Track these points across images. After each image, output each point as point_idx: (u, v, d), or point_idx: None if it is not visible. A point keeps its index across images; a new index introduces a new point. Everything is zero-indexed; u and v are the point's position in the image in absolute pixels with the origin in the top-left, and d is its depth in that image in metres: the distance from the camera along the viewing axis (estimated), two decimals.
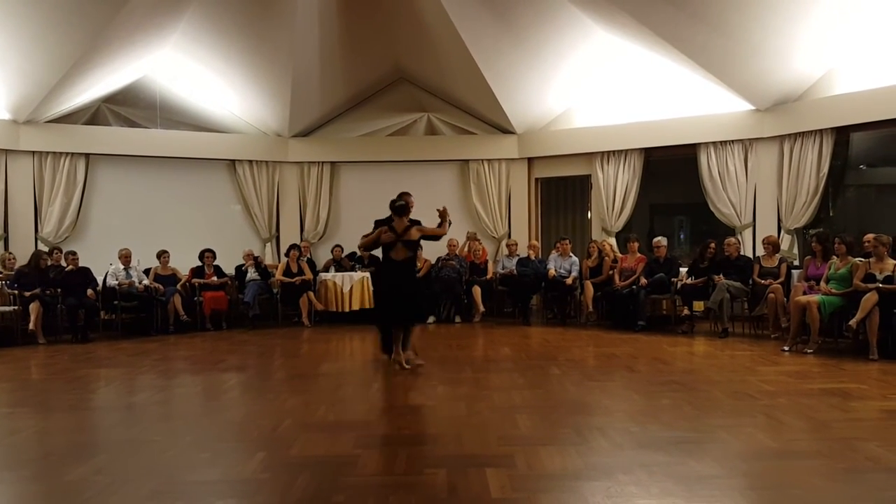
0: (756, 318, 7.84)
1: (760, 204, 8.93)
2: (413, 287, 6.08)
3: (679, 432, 3.87)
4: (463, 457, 3.47)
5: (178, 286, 8.94)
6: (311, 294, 9.32)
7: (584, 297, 8.93)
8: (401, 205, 6.00)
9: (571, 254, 9.40)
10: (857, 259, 6.66)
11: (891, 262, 6.33)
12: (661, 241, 8.61)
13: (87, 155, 9.53)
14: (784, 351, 6.57)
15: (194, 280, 9.19)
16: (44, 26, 7.43)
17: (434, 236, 6.26)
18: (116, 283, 8.54)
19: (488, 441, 3.73)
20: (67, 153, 9.37)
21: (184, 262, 9.39)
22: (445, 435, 3.96)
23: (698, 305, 8.26)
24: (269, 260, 10.25)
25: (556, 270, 9.20)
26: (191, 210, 10.22)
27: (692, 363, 6.23)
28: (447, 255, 9.72)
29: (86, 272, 8.47)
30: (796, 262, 8.21)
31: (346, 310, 9.20)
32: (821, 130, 8.25)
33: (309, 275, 9.43)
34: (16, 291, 8.03)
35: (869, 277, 6.33)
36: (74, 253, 8.48)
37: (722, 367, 5.88)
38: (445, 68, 9.85)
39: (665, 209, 12.22)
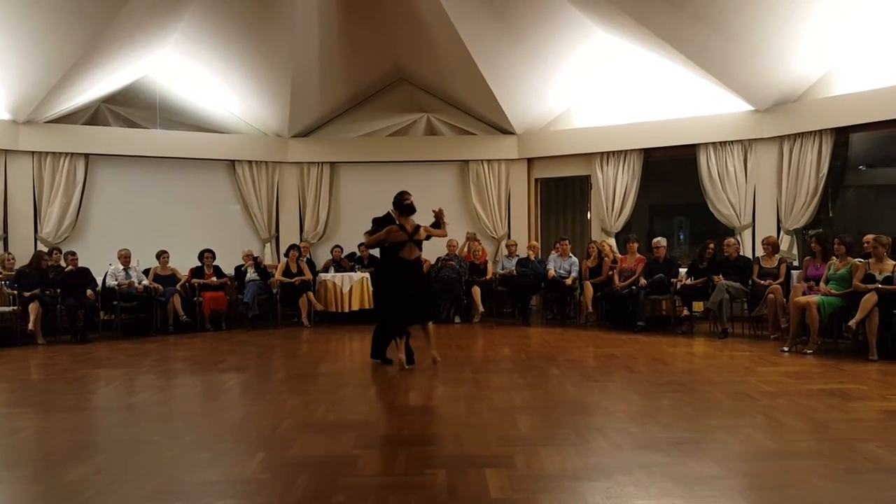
0: (755, 318, 7.84)
1: (760, 204, 8.93)
2: (428, 285, 6.21)
3: (678, 433, 3.87)
4: (462, 457, 3.47)
5: (178, 286, 8.94)
6: (311, 294, 9.32)
7: (584, 298, 8.93)
8: (409, 204, 6.05)
9: (571, 254, 9.40)
10: (856, 260, 6.66)
11: (890, 262, 6.34)
12: (660, 241, 8.61)
13: (86, 155, 9.52)
14: (783, 351, 6.58)
15: (194, 280, 9.19)
16: (44, 26, 7.43)
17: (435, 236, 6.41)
18: (116, 283, 8.54)
19: (488, 441, 3.73)
20: (67, 153, 9.36)
21: (183, 263, 9.39)
22: (445, 435, 3.96)
23: (698, 306, 8.27)
24: (268, 260, 10.24)
25: (555, 271, 9.20)
26: (190, 210, 10.22)
27: (692, 364, 6.23)
28: (447, 255, 9.72)
29: (85, 272, 8.47)
30: (796, 263, 8.21)
31: (346, 310, 9.21)
32: (820, 131, 8.25)
33: (308, 275, 9.43)
34: (16, 292, 8.03)
35: (868, 278, 6.34)
36: (74, 253, 8.48)
37: (721, 368, 5.88)
38: (445, 69, 9.86)
39: (665, 210, 12.22)
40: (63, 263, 8.41)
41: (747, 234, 8.96)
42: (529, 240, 10.37)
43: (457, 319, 9.47)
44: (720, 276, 7.73)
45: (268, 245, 10.55)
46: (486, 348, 7.35)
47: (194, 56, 9.27)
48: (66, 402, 4.97)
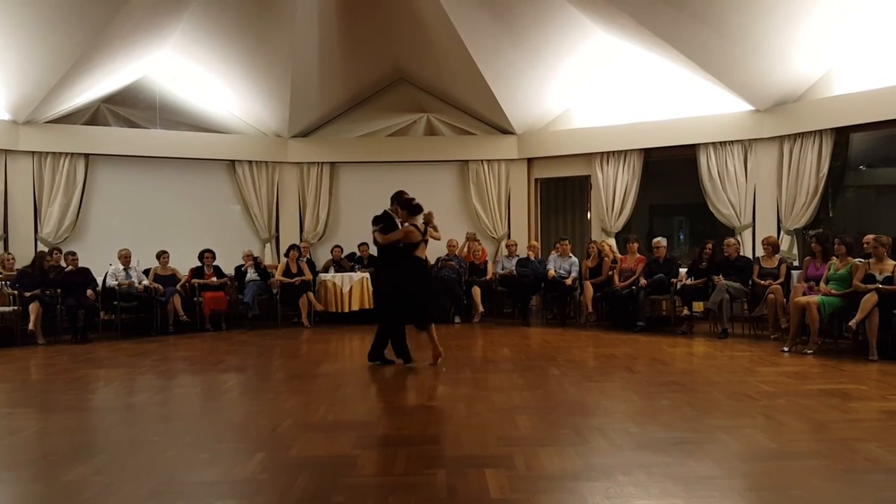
0: (755, 318, 7.84)
1: (760, 204, 8.93)
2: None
3: (678, 433, 3.87)
4: (462, 457, 3.47)
5: (178, 286, 8.94)
6: (311, 294, 9.32)
7: (584, 298, 8.93)
8: (418, 204, 6.11)
9: (571, 254, 9.40)
10: (856, 260, 6.66)
11: (890, 262, 6.34)
12: (660, 241, 8.61)
13: (86, 155, 9.52)
14: (783, 352, 6.57)
15: (194, 280, 9.19)
16: (44, 26, 7.43)
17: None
18: (116, 283, 8.54)
19: (487, 442, 3.73)
20: (67, 153, 9.36)
21: (183, 263, 9.39)
22: (445, 435, 3.96)
23: (698, 306, 8.27)
24: (268, 260, 10.24)
25: (555, 271, 9.20)
26: (190, 210, 10.22)
27: (691, 364, 6.23)
28: (447, 255, 9.72)
29: (85, 272, 8.46)
30: (796, 263, 8.21)
31: (346, 310, 9.21)
32: (820, 131, 8.25)
33: (308, 275, 9.43)
34: (17, 292, 8.03)
35: (868, 278, 6.33)
36: (74, 253, 8.48)
37: (721, 368, 5.88)
38: (445, 69, 9.86)
39: (665, 210, 12.22)
40: (63, 263, 8.41)
41: (747, 234, 8.96)
42: (529, 240, 10.37)
43: (457, 319, 9.47)
44: (720, 277, 7.73)
45: (268, 245, 10.54)
46: (485, 348, 7.35)
47: (194, 56, 9.27)
48: (66, 402, 4.97)
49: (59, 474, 3.31)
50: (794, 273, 7.62)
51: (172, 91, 10.02)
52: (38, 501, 3.08)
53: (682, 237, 12.25)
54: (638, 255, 8.78)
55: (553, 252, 9.61)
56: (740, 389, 4.96)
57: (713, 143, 9.12)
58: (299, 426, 4.12)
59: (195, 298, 9.07)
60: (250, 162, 10.41)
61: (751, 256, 8.42)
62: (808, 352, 6.46)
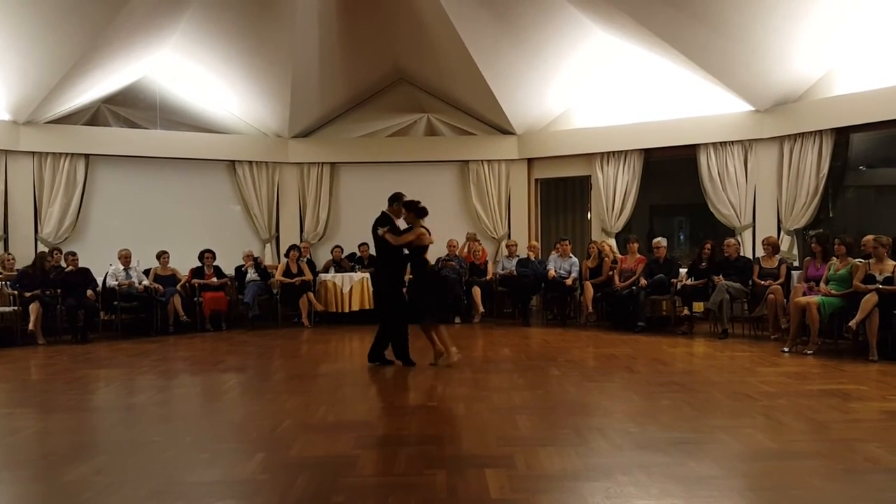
0: (756, 319, 7.83)
1: (760, 205, 8.93)
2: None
3: (678, 433, 3.87)
4: (462, 457, 3.47)
5: (178, 287, 8.94)
6: (311, 295, 9.32)
7: (584, 298, 8.93)
8: (424, 207, 6.11)
9: (571, 254, 9.40)
10: (856, 260, 6.66)
11: (890, 263, 6.33)
12: (660, 241, 8.61)
13: (86, 155, 9.53)
14: (784, 352, 6.57)
15: (194, 280, 9.19)
16: (44, 26, 7.43)
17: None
18: (116, 283, 8.54)
19: (488, 442, 3.73)
20: (67, 154, 9.37)
21: (183, 263, 9.39)
22: (445, 435, 3.96)
23: (698, 306, 8.26)
24: (268, 260, 10.25)
25: (555, 271, 9.20)
26: (190, 211, 10.22)
27: (692, 364, 6.23)
28: (447, 255, 9.72)
29: (85, 273, 8.47)
30: (796, 263, 8.21)
31: (346, 310, 9.21)
32: (820, 131, 8.25)
33: (309, 275, 9.43)
34: (17, 292, 8.03)
35: (869, 278, 6.33)
36: (74, 253, 8.48)
37: (721, 368, 5.88)
38: (445, 69, 9.86)
39: (665, 210, 12.22)
40: (63, 264, 8.41)
41: (747, 234, 8.96)
42: (529, 240, 10.37)
43: (457, 320, 9.46)
44: (720, 277, 7.73)
45: (268, 245, 10.55)
46: (486, 348, 7.34)
47: (194, 56, 9.27)
48: (66, 403, 4.97)
49: (59, 474, 3.31)
50: (795, 273, 7.62)
51: (173, 91, 10.02)
52: (38, 501, 3.08)
53: (682, 237, 12.25)
54: (638, 256, 8.78)
55: (553, 252, 9.61)
56: (740, 389, 4.96)
57: (713, 144, 9.12)
58: (299, 426, 4.12)
59: (195, 299, 9.07)
60: (250, 162, 10.41)
61: (751, 257, 8.42)
62: (809, 352, 6.46)
